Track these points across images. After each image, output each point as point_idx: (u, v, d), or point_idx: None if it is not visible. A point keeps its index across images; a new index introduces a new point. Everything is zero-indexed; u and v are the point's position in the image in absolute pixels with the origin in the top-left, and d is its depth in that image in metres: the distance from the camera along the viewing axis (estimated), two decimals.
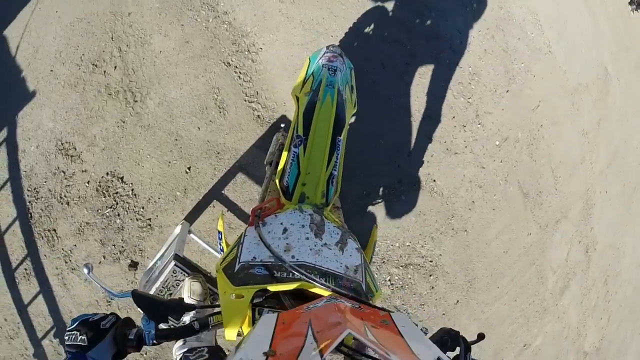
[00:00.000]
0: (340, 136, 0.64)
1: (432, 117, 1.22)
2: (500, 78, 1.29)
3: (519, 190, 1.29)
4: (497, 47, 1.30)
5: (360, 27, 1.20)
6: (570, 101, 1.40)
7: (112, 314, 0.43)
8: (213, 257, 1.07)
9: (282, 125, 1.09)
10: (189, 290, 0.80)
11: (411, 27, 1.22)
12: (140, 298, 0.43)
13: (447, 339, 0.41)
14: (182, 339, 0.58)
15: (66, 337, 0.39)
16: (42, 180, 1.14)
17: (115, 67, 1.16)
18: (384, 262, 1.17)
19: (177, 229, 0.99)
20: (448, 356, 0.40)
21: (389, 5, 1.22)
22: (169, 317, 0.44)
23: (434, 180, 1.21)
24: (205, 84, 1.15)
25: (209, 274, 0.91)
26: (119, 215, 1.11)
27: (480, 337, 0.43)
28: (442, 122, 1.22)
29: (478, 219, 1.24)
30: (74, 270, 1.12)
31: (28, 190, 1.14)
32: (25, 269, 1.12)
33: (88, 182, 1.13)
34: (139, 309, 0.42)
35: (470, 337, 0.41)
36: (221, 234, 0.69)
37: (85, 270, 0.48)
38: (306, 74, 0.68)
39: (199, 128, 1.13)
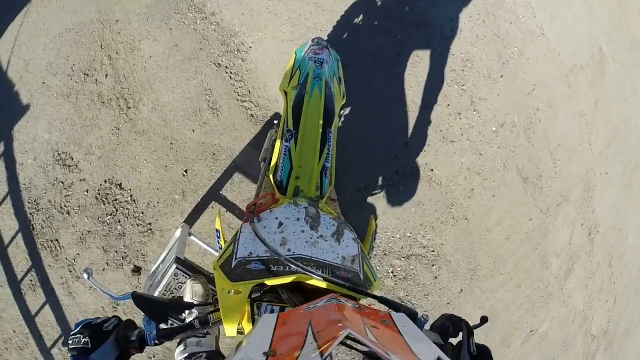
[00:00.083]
0: (330, 128, 0.64)
1: (426, 106, 1.21)
2: (494, 63, 1.28)
3: (518, 175, 1.29)
4: (489, 32, 1.28)
5: (348, 19, 1.19)
6: (565, 83, 1.39)
7: (114, 316, 0.43)
8: (214, 257, 1.07)
9: (276, 122, 1.09)
10: (191, 292, 0.81)
11: (400, 16, 1.21)
12: (139, 299, 0.43)
13: (448, 325, 0.40)
14: (182, 344, 0.58)
15: (70, 341, 0.39)
16: (41, 191, 1.15)
17: (107, 75, 1.16)
18: (385, 254, 1.17)
19: (178, 232, 1.00)
20: (451, 342, 0.40)
21: None
22: (170, 317, 0.45)
23: (432, 170, 1.20)
24: (197, 86, 1.15)
25: (210, 275, 0.91)
26: (119, 221, 1.12)
27: (484, 320, 0.42)
28: (436, 110, 1.21)
29: (478, 206, 1.24)
30: (78, 279, 1.13)
31: (28, 203, 1.15)
32: (31, 280, 1.14)
33: (87, 191, 1.14)
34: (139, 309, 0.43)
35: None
36: (219, 232, 0.69)
37: (85, 276, 0.48)
38: (293, 68, 0.68)
39: (193, 130, 1.14)
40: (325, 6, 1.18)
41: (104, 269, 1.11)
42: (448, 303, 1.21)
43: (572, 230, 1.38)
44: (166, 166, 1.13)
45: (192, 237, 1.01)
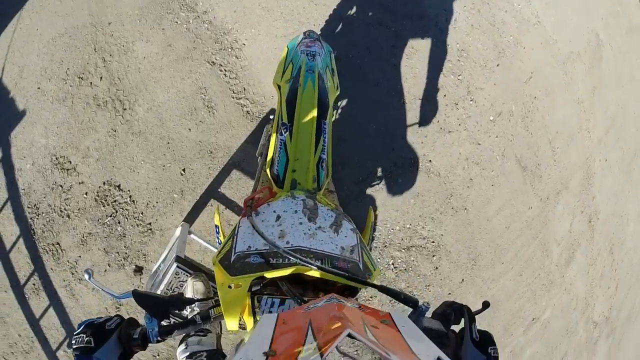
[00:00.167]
0: (325, 120, 0.64)
1: (422, 97, 1.20)
2: (490, 52, 1.27)
3: (516, 164, 1.28)
4: (484, 22, 1.27)
5: (342, 13, 1.18)
6: (562, 70, 1.38)
7: (116, 315, 0.43)
8: (214, 254, 1.07)
9: (272, 117, 1.08)
10: (192, 290, 0.81)
11: (394, 8, 1.21)
12: (140, 297, 0.43)
13: (450, 312, 0.40)
14: (184, 344, 0.58)
15: (73, 341, 0.39)
16: (41, 196, 1.15)
17: (101, 77, 1.16)
18: (385, 246, 1.17)
19: (178, 231, 1.00)
20: (453, 330, 0.40)
21: None
22: (171, 314, 0.45)
23: (430, 161, 1.20)
24: (192, 85, 1.15)
25: (211, 272, 0.92)
26: (119, 222, 1.12)
27: (485, 305, 0.42)
28: (433, 101, 1.21)
29: (477, 196, 1.24)
30: (81, 281, 1.13)
31: (28, 207, 1.15)
32: (34, 284, 1.14)
33: (86, 194, 1.14)
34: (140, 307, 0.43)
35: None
36: (218, 228, 0.69)
37: (86, 276, 0.48)
38: (285, 61, 0.68)
39: (189, 129, 1.13)
40: (318, 0, 1.18)
41: (105, 270, 1.12)
42: (449, 293, 1.22)
43: (572, 218, 1.38)
44: (164, 166, 1.13)
45: (192, 235, 1.01)
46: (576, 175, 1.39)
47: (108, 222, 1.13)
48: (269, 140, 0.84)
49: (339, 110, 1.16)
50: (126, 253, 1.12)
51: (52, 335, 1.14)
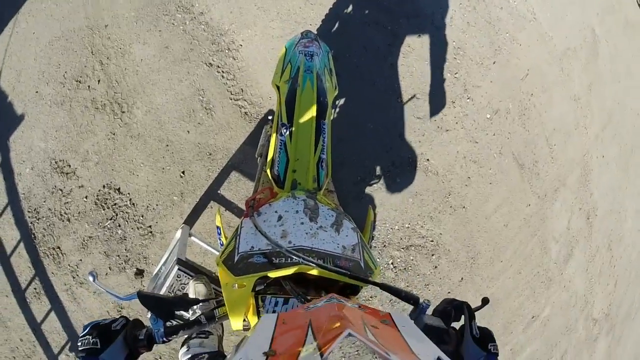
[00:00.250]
0: (324, 120, 0.64)
1: (419, 96, 1.21)
2: (486, 50, 1.27)
3: (514, 162, 1.29)
4: (480, 19, 1.28)
5: (338, 12, 1.18)
6: (559, 67, 1.38)
7: (122, 316, 0.44)
8: (215, 257, 1.07)
9: (270, 118, 1.09)
10: (194, 292, 0.82)
11: (390, 6, 1.21)
12: (145, 298, 0.44)
13: (450, 309, 0.40)
14: (185, 346, 0.59)
15: (79, 343, 0.40)
16: (41, 200, 1.15)
17: (99, 80, 1.16)
18: (385, 245, 1.18)
19: (178, 233, 1.01)
20: (454, 327, 0.40)
21: None
22: (176, 314, 0.45)
23: (428, 160, 1.20)
24: (190, 86, 1.15)
25: (213, 274, 0.92)
26: (119, 225, 1.13)
27: (485, 301, 0.42)
28: (430, 100, 1.21)
29: (475, 194, 1.24)
30: (82, 285, 1.14)
31: (28, 212, 1.16)
32: (35, 289, 1.15)
33: (86, 197, 1.14)
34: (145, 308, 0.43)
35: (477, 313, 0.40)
36: (220, 229, 0.70)
37: (91, 278, 0.49)
38: (283, 62, 0.68)
39: (188, 131, 1.14)
40: (314, 0, 1.18)
41: (106, 274, 1.12)
42: (449, 292, 1.22)
43: (570, 215, 1.39)
44: (163, 168, 1.13)
45: (192, 237, 1.02)
46: (574, 172, 1.39)
47: (108, 226, 1.13)
48: (268, 141, 0.84)
49: (337, 110, 1.16)
50: (127, 256, 1.13)
51: (53, 339, 1.15)
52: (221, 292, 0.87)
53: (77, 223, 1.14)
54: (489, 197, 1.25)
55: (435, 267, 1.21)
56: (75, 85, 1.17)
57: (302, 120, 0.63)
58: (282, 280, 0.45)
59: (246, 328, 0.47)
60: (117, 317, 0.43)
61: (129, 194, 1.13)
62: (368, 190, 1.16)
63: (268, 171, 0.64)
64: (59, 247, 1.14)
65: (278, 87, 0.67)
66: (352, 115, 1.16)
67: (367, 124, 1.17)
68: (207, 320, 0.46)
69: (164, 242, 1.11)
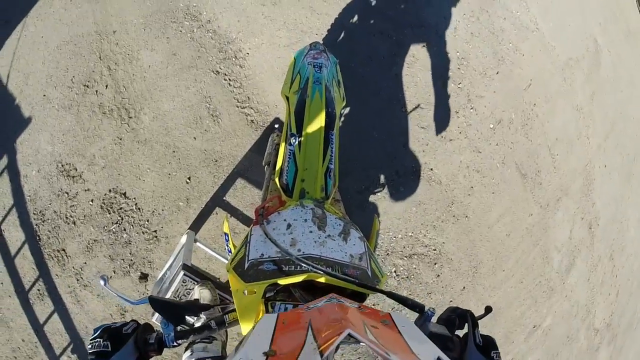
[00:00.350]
0: (332, 130, 0.65)
1: (423, 105, 1.22)
2: (489, 60, 1.29)
3: (517, 171, 1.29)
4: (484, 29, 1.29)
5: (343, 22, 1.20)
6: (561, 77, 1.40)
7: (132, 320, 0.44)
8: (220, 263, 1.09)
9: (277, 126, 1.11)
10: (198, 297, 0.82)
11: (395, 16, 1.22)
12: (157, 302, 0.44)
13: (454, 317, 0.41)
14: (189, 350, 0.59)
15: (89, 346, 0.40)
16: (46, 202, 1.16)
17: (107, 85, 1.17)
18: (388, 254, 1.18)
19: (183, 239, 1.01)
20: (457, 335, 0.41)
21: None
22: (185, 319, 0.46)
23: (431, 169, 1.21)
24: (197, 93, 1.16)
25: (217, 280, 0.93)
26: (125, 230, 1.14)
27: (488, 310, 0.43)
28: (434, 110, 1.22)
29: (478, 203, 1.25)
30: (86, 287, 1.14)
31: (34, 214, 1.17)
32: (39, 290, 1.15)
33: (92, 201, 1.15)
34: (157, 312, 0.44)
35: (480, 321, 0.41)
36: (227, 236, 0.70)
37: (102, 282, 0.49)
38: (293, 73, 0.69)
39: (195, 138, 1.15)
40: (320, 10, 1.19)
41: (111, 277, 1.13)
42: (451, 301, 1.22)
43: (572, 225, 1.39)
44: (169, 174, 1.14)
45: (197, 243, 1.02)
46: (576, 181, 1.40)
47: (114, 229, 1.14)
48: (275, 149, 0.85)
49: (341, 119, 1.17)
50: (131, 260, 1.13)
51: (56, 340, 1.15)
52: (226, 298, 0.89)
53: (82, 226, 1.14)
54: (491, 207, 1.26)
55: (438, 275, 1.21)
56: (83, 89, 1.18)
57: (311, 130, 0.64)
58: (291, 287, 0.46)
59: None
60: (128, 320, 0.44)
61: (134, 198, 1.14)
62: (372, 198, 1.17)
63: (277, 180, 0.65)
64: (63, 250, 1.15)
65: (287, 98, 0.69)
66: (356, 124, 1.17)
67: (372, 132, 1.18)
68: (218, 326, 0.47)
69: (168, 247, 1.12)
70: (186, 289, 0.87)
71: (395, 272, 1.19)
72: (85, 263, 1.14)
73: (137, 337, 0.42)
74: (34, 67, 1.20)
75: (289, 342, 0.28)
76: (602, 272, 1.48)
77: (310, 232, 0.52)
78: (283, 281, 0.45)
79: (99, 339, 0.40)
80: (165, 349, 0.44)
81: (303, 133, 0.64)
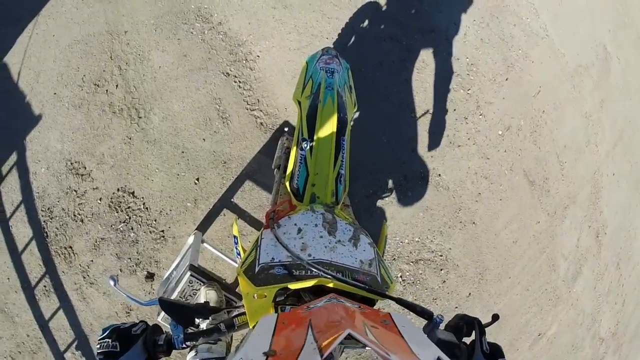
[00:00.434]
0: (344, 136, 0.65)
1: (432, 111, 1.22)
2: (499, 66, 1.28)
3: (525, 178, 1.29)
4: (494, 36, 1.29)
5: (354, 27, 1.20)
6: (571, 84, 1.39)
7: (142, 321, 0.44)
8: (227, 264, 1.09)
9: (286, 130, 1.11)
10: (205, 298, 0.83)
11: (405, 22, 1.22)
12: (166, 304, 0.45)
13: (462, 324, 0.41)
14: (194, 351, 0.59)
15: (98, 346, 0.40)
16: (55, 200, 1.17)
17: (117, 85, 1.18)
18: (394, 259, 1.18)
19: (190, 239, 1.02)
20: (465, 342, 0.41)
21: (381, 2, 1.21)
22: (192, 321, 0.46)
23: (439, 175, 1.21)
24: (207, 95, 1.17)
25: (223, 281, 0.93)
26: (132, 229, 1.14)
27: (495, 318, 0.43)
28: (443, 115, 1.22)
29: (485, 210, 1.24)
30: (92, 285, 1.15)
31: (42, 211, 1.17)
32: (45, 286, 1.16)
33: (100, 199, 1.16)
34: (166, 314, 0.44)
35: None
36: (237, 239, 0.71)
37: (112, 282, 0.49)
38: (305, 78, 0.69)
39: (204, 139, 1.15)
40: (330, 14, 1.20)
41: (117, 275, 1.13)
42: (456, 307, 1.22)
43: (579, 233, 1.38)
44: (178, 175, 1.15)
45: (204, 244, 1.03)
46: (584, 189, 1.39)
47: (121, 228, 1.14)
48: (285, 153, 0.85)
49: (351, 123, 1.17)
50: (138, 259, 1.14)
51: (60, 336, 1.16)
52: (231, 299, 0.89)
53: (90, 224, 1.15)
54: (499, 214, 1.26)
55: (444, 281, 1.21)
56: (94, 88, 1.19)
57: (322, 135, 0.64)
58: (301, 292, 0.46)
59: None
60: (138, 321, 0.44)
61: (143, 198, 1.15)
62: (379, 203, 1.17)
63: (287, 184, 0.65)
64: (70, 247, 1.16)
65: (299, 102, 0.69)
66: (366, 129, 1.17)
67: (381, 137, 1.18)
68: (227, 329, 0.47)
69: (175, 247, 1.13)
70: (192, 290, 0.87)
71: (401, 277, 1.19)
72: (92, 261, 1.15)
73: (146, 338, 0.42)
74: (45, 65, 1.21)
75: (289, 342, 0.28)
76: (609, 280, 1.47)
77: (321, 237, 0.52)
78: (293, 286, 0.45)
79: (107, 339, 0.40)
80: (173, 351, 0.44)
81: (315, 138, 0.64)
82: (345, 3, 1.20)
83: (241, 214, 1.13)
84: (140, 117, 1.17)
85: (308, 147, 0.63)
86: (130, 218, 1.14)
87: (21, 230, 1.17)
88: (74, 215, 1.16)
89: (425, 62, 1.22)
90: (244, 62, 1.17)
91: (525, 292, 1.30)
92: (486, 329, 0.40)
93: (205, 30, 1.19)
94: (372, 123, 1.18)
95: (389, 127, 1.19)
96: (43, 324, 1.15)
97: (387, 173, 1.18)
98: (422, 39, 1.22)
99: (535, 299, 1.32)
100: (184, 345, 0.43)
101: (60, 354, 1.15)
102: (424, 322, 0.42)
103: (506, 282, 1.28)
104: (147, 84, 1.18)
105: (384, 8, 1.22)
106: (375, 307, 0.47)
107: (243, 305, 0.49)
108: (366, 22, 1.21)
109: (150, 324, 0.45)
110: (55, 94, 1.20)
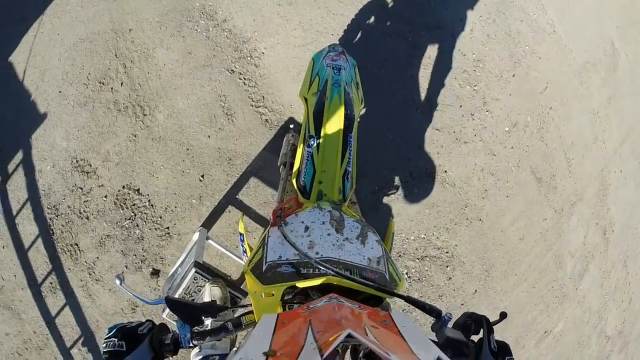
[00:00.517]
0: (351, 133, 0.65)
1: (439, 107, 1.21)
2: (505, 62, 1.27)
3: (531, 175, 1.28)
4: (500, 31, 1.27)
5: (359, 23, 1.19)
6: (578, 80, 1.37)
7: (148, 320, 0.44)
8: (232, 261, 1.09)
9: (292, 126, 1.11)
10: (210, 295, 0.82)
11: (411, 18, 1.21)
12: (173, 303, 0.44)
13: (470, 322, 0.41)
14: (197, 347, 0.59)
15: (103, 345, 0.40)
16: (60, 197, 1.17)
17: (122, 83, 1.18)
18: (400, 255, 1.18)
19: (195, 236, 1.02)
20: (473, 340, 0.41)
21: None
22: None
23: (446, 171, 1.20)
24: (211, 92, 1.16)
25: (228, 277, 0.93)
26: (137, 226, 1.14)
27: (503, 316, 0.43)
28: (449, 112, 1.21)
29: (492, 207, 1.23)
30: (98, 282, 1.15)
31: (48, 208, 1.18)
32: (51, 283, 1.17)
33: (105, 197, 1.16)
34: (172, 313, 0.44)
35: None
36: (243, 237, 0.70)
37: (118, 282, 0.49)
38: (311, 74, 0.69)
39: (209, 136, 1.15)
40: (336, 10, 1.19)
41: (123, 272, 1.14)
42: (462, 304, 1.21)
43: (586, 230, 1.37)
44: (183, 172, 1.15)
45: (209, 240, 1.03)
46: (591, 186, 1.38)
47: (126, 225, 1.15)
48: (291, 150, 0.85)
49: (358, 120, 1.16)
50: (144, 256, 1.14)
51: (66, 333, 1.16)
52: (236, 296, 0.88)
53: (95, 221, 1.16)
54: (505, 210, 1.25)
55: (450, 278, 1.20)
56: (99, 86, 1.19)
57: (329, 132, 0.64)
58: (309, 290, 0.46)
59: None
60: (144, 320, 0.44)
61: (148, 195, 1.15)
62: (385, 200, 1.16)
63: (294, 181, 0.65)
64: (76, 244, 1.16)
65: (306, 99, 0.68)
66: (371, 125, 1.17)
67: (387, 134, 1.18)
68: (234, 328, 0.46)
69: (180, 244, 1.13)
70: (197, 286, 0.87)
71: (406, 274, 1.18)
72: (98, 258, 1.15)
73: (153, 338, 0.41)
74: (50, 64, 1.22)
75: (289, 342, 0.28)
76: (616, 278, 1.46)
77: (329, 234, 0.51)
78: (301, 284, 0.45)
79: (113, 339, 0.39)
80: (181, 350, 0.43)
81: (321, 135, 0.63)
82: None
83: (246, 210, 1.13)
84: (145, 115, 1.17)
85: (315, 144, 0.63)
86: (135, 215, 1.15)
87: (27, 227, 1.18)
88: (80, 213, 1.17)
89: (431, 59, 1.21)
90: (249, 59, 1.17)
91: (531, 290, 1.29)
92: (493, 326, 0.40)
93: (209, 28, 1.19)
94: (378, 120, 1.17)
95: (394, 123, 1.19)
96: (49, 321, 1.16)
97: (392, 170, 1.18)
98: (428, 35, 1.21)
99: (542, 296, 1.31)
100: (190, 344, 0.43)
101: (66, 350, 1.16)
102: (431, 320, 0.41)
103: (512, 279, 1.27)
104: (152, 82, 1.18)
105: (389, 4, 1.21)
106: (383, 304, 0.46)
107: (249, 303, 0.49)
108: (372, 19, 1.20)
109: (156, 321, 0.45)
110: (60, 92, 1.21)
